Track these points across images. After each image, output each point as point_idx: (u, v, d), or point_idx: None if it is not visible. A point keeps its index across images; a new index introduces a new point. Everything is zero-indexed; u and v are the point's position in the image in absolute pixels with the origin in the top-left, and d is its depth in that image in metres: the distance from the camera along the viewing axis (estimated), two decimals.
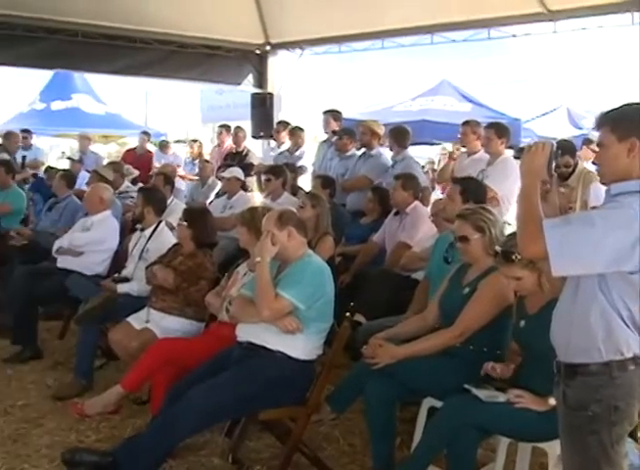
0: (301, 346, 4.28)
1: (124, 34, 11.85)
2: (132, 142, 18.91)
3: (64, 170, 9.62)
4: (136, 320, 5.51)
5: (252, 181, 10.29)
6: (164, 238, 6.14)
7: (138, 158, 12.63)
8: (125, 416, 5.25)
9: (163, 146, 14.08)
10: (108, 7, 10.98)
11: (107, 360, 6.24)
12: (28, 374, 6.23)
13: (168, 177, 8.55)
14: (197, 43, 12.46)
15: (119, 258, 6.74)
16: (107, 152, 18.36)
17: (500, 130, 7.33)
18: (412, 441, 4.33)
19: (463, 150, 7.88)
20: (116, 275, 6.22)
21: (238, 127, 11.51)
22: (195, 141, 13.01)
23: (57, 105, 18.94)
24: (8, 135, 11.60)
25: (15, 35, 11.10)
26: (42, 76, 19.44)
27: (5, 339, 6.75)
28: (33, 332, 6.65)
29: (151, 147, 14.33)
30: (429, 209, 6.71)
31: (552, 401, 3.39)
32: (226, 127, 12.64)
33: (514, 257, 3.70)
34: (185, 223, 5.61)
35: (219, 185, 9.85)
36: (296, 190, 8.71)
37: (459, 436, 3.76)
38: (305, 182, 9.90)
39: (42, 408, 5.48)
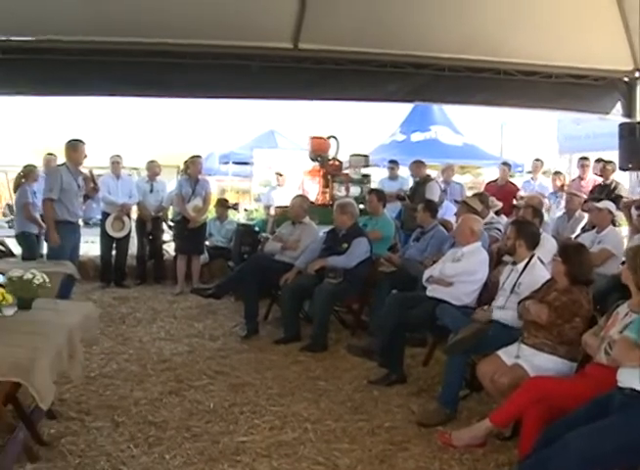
0: None
1: (489, 67, 11.97)
2: (487, 173, 18.99)
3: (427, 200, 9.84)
4: (506, 354, 5.47)
5: (621, 215, 9.83)
6: (537, 272, 5.98)
7: (499, 189, 12.59)
8: (488, 451, 5.18)
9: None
10: (475, 41, 11.22)
11: (470, 392, 6.23)
12: (394, 397, 6.39)
13: (537, 210, 8.33)
14: (562, 73, 12.21)
15: (487, 290, 6.75)
16: (463, 182, 18.64)
17: None
18: None
19: None
20: (486, 307, 6.19)
21: (605, 160, 11.10)
22: (558, 173, 12.75)
23: (416, 136, 19.54)
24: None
25: (382, 72, 11.79)
26: (403, 109, 20.24)
27: (372, 361, 7.01)
28: (400, 357, 6.84)
29: None
30: None
31: None
32: (586, 159, 12.36)
33: None
34: (560, 259, 5.48)
35: (585, 219, 9.56)
36: None
37: None
38: None
39: (407, 432, 5.57)
